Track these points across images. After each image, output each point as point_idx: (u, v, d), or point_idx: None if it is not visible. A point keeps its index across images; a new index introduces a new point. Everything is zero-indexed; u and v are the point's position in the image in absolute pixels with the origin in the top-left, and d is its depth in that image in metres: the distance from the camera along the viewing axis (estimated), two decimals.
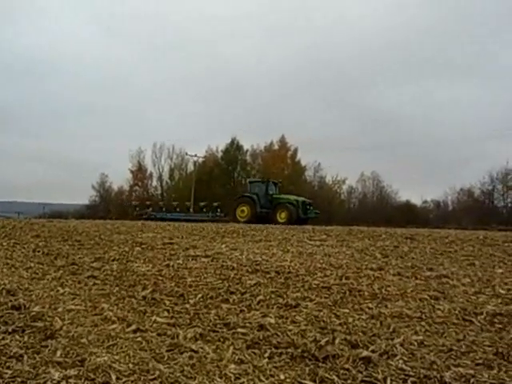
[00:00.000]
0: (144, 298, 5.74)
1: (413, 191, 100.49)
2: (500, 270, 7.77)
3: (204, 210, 33.38)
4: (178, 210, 34.27)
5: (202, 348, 3.88)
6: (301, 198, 27.10)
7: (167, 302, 5.52)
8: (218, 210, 32.72)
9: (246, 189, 28.97)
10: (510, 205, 53.47)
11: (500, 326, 4.67)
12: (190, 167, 61.21)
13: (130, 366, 3.40)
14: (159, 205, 36.33)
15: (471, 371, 3.41)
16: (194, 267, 7.53)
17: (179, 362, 3.55)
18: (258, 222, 23.19)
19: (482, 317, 4.94)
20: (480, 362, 3.66)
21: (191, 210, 35.34)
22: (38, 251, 9.55)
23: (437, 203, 60.57)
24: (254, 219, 24.80)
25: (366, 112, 79.54)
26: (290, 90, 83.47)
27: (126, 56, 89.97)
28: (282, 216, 24.95)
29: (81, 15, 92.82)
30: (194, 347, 3.88)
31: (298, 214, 25.21)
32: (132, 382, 3.16)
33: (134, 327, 4.46)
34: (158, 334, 4.27)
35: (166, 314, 5.05)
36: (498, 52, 78.72)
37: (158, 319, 4.77)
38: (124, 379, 3.18)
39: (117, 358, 3.55)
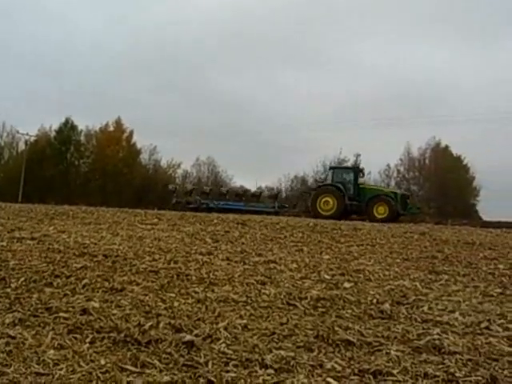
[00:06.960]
0: None
1: (248, 177, 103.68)
2: (327, 256, 8.26)
3: (257, 198, 27.66)
4: (227, 197, 27.41)
5: (20, 334, 3.76)
6: (398, 191, 24.34)
7: None
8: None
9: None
10: None
11: (323, 309, 5.01)
12: (22, 146, 57.51)
13: None
14: (203, 190, 28.54)
15: (292, 353, 3.62)
16: (19, 250, 7.17)
17: None
18: (347, 216, 20.30)
19: (306, 301, 5.25)
20: (301, 344, 3.90)
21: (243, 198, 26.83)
22: None
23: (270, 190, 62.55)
24: (342, 213, 21.37)
25: (203, 96, 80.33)
26: (127, 72, 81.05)
27: None
28: (379, 211, 21.60)
29: None
30: (11, 333, 3.75)
31: (397, 209, 21.99)
32: None
33: None
34: None
35: None
36: (337, 44, 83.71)
37: None
38: None
39: None
